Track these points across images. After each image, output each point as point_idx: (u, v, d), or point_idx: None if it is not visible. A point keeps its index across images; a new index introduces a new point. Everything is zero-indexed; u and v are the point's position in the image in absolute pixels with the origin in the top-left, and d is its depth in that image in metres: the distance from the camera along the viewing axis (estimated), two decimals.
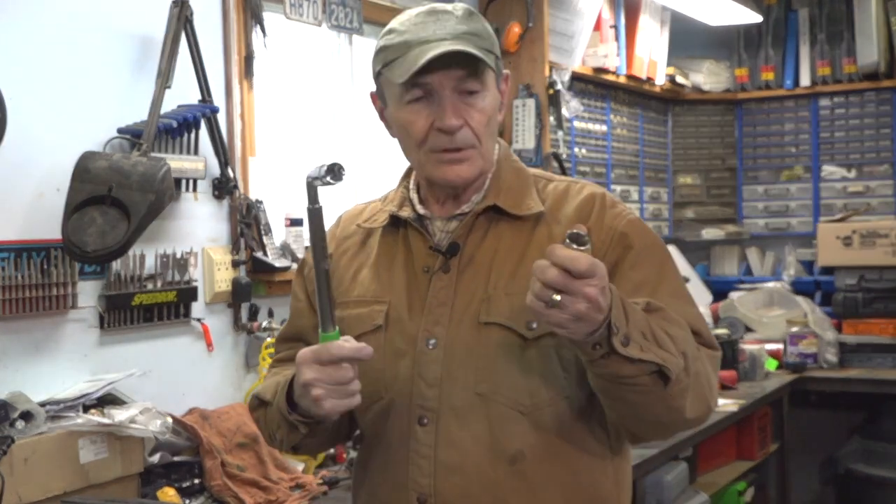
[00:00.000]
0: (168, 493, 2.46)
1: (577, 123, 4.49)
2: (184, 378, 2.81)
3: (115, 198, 2.40)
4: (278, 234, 3.10)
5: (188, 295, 2.78)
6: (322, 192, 1.51)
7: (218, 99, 2.89)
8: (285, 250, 3.09)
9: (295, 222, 3.11)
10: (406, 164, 1.65)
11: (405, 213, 1.61)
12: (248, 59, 3.01)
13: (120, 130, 2.61)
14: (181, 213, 2.80)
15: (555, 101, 4.15)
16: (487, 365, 1.50)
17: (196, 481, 2.54)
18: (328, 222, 1.75)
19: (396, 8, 3.44)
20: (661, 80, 4.99)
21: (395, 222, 1.63)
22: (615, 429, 1.56)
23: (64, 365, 2.50)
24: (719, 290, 5.28)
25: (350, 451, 2.85)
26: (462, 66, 1.48)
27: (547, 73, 4.15)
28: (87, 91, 2.56)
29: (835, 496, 4.93)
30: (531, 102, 4.10)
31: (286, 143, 3.33)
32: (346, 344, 1.43)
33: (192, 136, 2.78)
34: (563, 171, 4.10)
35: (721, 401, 3.82)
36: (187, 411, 2.75)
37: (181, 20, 2.68)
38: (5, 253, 2.34)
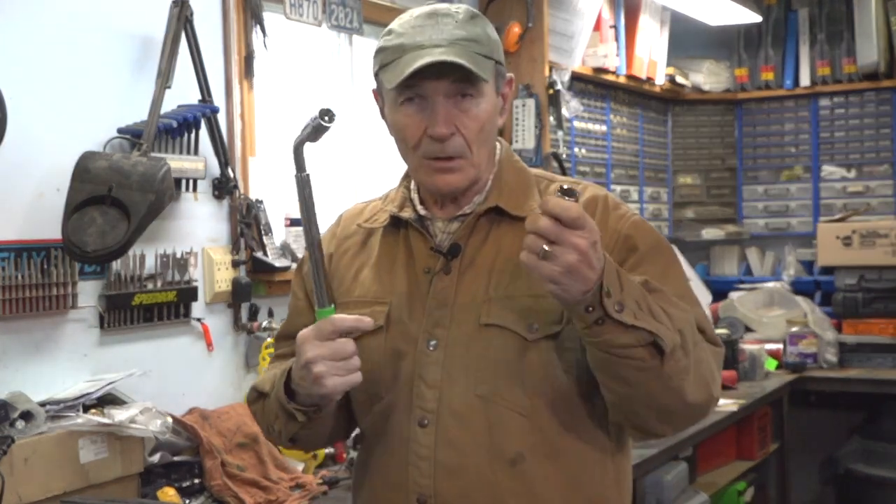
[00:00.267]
0: (168, 493, 2.46)
1: (576, 123, 4.49)
2: (184, 378, 2.81)
3: (115, 198, 2.40)
4: (278, 233, 3.11)
5: (188, 295, 2.78)
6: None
7: (218, 99, 2.89)
8: (285, 250, 3.10)
9: (295, 222, 3.11)
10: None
11: (406, 213, 1.61)
12: (248, 59, 3.01)
13: (120, 130, 2.61)
14: (181, 213, 2.80)
15: (555, 101, 4.15)
16: (488, 367, 1.50)
17: (196, 481, 2.54)
18: (329, 223, 1.75)
19: (396, 8, 3.44)
20: (660, 80, 4.99)
21: (395, 223, 1.62)
22: (617, 429, 1.56)
23: (64, 365, 2.50)
24: (719, 290, 5.27)
25: (350, 451, 2.85)
26: (454, 74, 1.46)
27: (547, 73, 4.15)
28: (87, 91, 2.56)
29: (835, 496, 4.93)
30: (531, 102, 4.10)
31: (286, 143, 3.32)
32: (347, 316, 1.45)
33: (192, 136, 2.78)
34: (563, 172, 4.10)
35: (721, 401, 3.81)
36: (187, 411, 2.75)
37: (181, 20, 2.68)
38: (5, 253, 2.34)
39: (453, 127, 1.49)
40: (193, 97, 2.80)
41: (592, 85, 4.63)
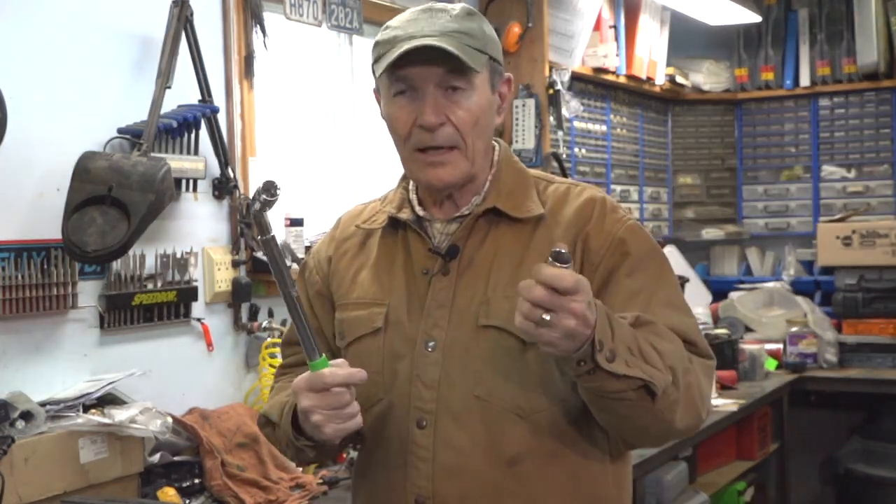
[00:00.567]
0: (168, 492, 2.46)
1: (576, 123, 4.49)
2: (184, 378, 2.81)
3: (115, 198, 2.40)
4: (278, 234, 3.10)
5: (188, 295, 2.78)
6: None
7: (218, 99, 2.89)
8: (285, 250, 3.09)
9: (295, 222, 3.11)
10: None
11: (404, 214, 1.61)
12: (248, 59, 3.01)
13: (120, 130, 2.61)
14: (181, 213, 2.80)
15: (555, 101, 4.15)
16: (486, 368, 1.50)
17: (196, 481, 2.54)
18: (329, 224, 1.75)
19: (396, 7, 3.44)
20: (660, 80, 4.99)
21: (394, 224, 1.62)
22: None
23: (64, 365, 2.50)
24: (719, 290, 5.27)
25: (350, 451, 2.84)
26: (443, 62, 1.46)
27: (547, 73, 4.15)
28: (87, 91, 2.56)
29: (835, 496, 4.93)
30: (531, 102, 4.10)
31: (286, 143, 3.33)
32: (339, 371, 1.43)
33: (192, 136, 2.78)
34: (563, 172, 4.10)
35: (721, 401, 3.83)
36: (187, 411, 2.75)
37: (181, 20, 2.68)
38: (5, 253, 2.34)
39: (443, 116, 1.49)
40: (193, 97, 2.80)
41: (592, 85, 4.62)
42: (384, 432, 1.56)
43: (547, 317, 1.26)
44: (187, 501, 2.49)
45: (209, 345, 2.88)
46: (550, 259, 1.27)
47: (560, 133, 4.20)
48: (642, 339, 1.36)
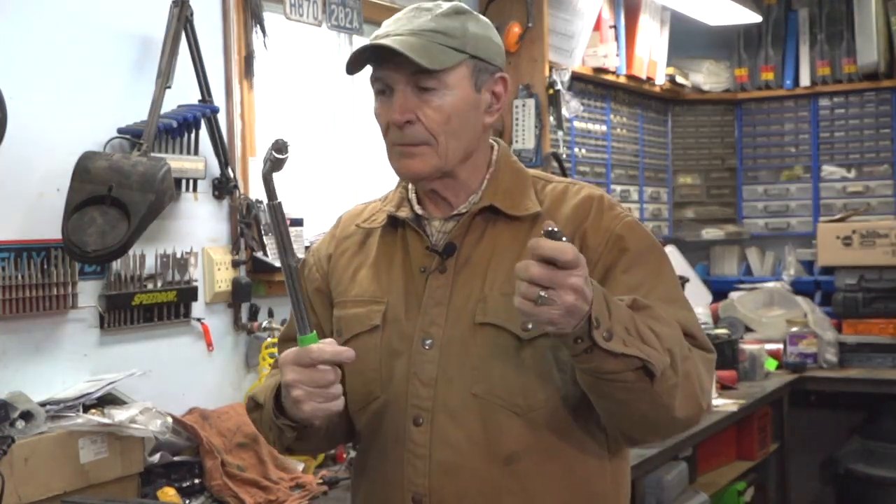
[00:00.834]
0: (168, 492, 2.46)
1: (576, 123, 4.49)
2: (184, 378, 2.81)
3: (115, 198, 2.40)
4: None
5: (188, 295, 2.78)
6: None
7: (218, 99, 2.89)
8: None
9: (295, 222, 3.11)
10: None
11: (403, 213, 1.61)
12: (248, 59, 3.02)
13: (120, 130, 2.61)
14: (181, 213, 2.80)
15: (555, 101, 4.15)
16: (483, 365, 1.50)
17: (196, 481, 2.55)
18: (328, 224, 1.76)
19: (396, 7, 3.43)
20: (660, 80, 4.99)
21: (393, 222, 1.63)
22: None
23: (64, 365, 2.50)
24: (719, 290, 5.28)
25: (350, 450, 2.85)
26: (406, 63, 1.48)
27: (547, 73, 4.15)
28: (87, 91, 2.56)
29: (835, 496, 4.93)
30: (531, 102, 4.10)
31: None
32: (327, 347, 1.43)
33: (192, 136, 2.78)
34: (563, 172, 4.10)
35: (721, 401, 3.83)
36: (187, 411, 2.76)
37: (181, 20, 2.68)
38: (5, 253, 2.34)
39: (411, 115, 1.51)
40: (193, 97, 2.80)
41: (592, 85, 4.63)
42: (381, 430, 1.56)
43: (545, 294, 1.25)
44: (187, 501, 2.49)
45: (209, 345, 2.88)
46: (545, 235, 1.27)
47: (560, 133, 4.20)
48: (640, 321, 1.36)
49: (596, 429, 1.53)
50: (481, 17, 1.59)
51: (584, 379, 1.41)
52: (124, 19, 2.66)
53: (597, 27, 4.40)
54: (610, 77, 4.60)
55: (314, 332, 1.45)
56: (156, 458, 2.53)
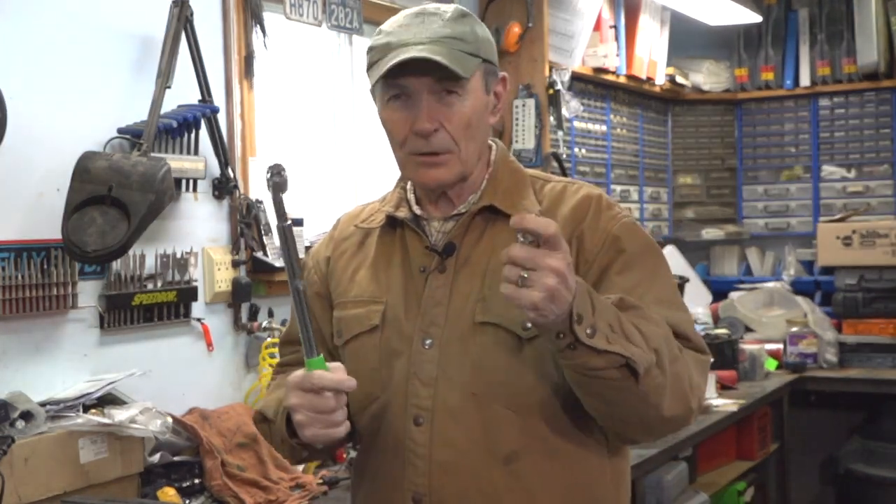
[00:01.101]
0: (168, 492, 2.46)
1: (576, 123, 4.49)
2: (184, 378, 2.81)
3: (115, 198, 2.40)
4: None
5: (188, 295, 2.78)
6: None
7: (218, 99, 2.89)
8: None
9: (295, 222, 3.11)
10: None
11: (402, 213, 1.61)
12: (248, 59, 3.02)
13: (120, 130, 2.61)
14: (181, 213, 2.81)
15: (555, 101, 4.15)
16: (482, 365, 1.50)
17: (196, 481, 2.54)
18: (328, 224, 1.76)
19: (396, 7, 3.44)
20: (660, 80, 4.99)
21: (392, 223, 1.63)
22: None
23: (64, 365, 2.50)
24: (719, 290, 5.27)
25: (350, 451, 2.84)
26: (435, 71, 1.47)
27: (547, 73, 4.15)
28: (87, 91, 2.56)
29: (835, 496, 4.93)
30: (531, 102, 4.10)
31: (286, 142, 3.33)
32: (328, 375, 1.41)
33: (192, 136, 2.78)
34: (563, 172, 4.10)
35: (721, 401, 3.83)
36: (187, 411, 2.76)
37: (181, 20, 2.68)
38: (5, 253, 2.34)
39: (437, 122, 1.50)
40: (193, 97, 2.81)
41: (592, 85, 4.63)
42: (381, 430, 1.57)
43: (525, 274, 1.25)
44: (187, 501, 2.49)
45: (209, 345, 2.88)
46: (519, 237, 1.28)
47: (560, 133, 4.20)
48: (625, 320, 1.36)
49: (596, 428, 1.53)
50: (477, 18, 1.60)
51: (571, 376, 1.41)
52: (124, 19, 2.66)
53: (597, 27, 4.40)
54: (610, 77, 4.60)
55: (321, 354, 1.44)
56: (156, 458, 2.53)
